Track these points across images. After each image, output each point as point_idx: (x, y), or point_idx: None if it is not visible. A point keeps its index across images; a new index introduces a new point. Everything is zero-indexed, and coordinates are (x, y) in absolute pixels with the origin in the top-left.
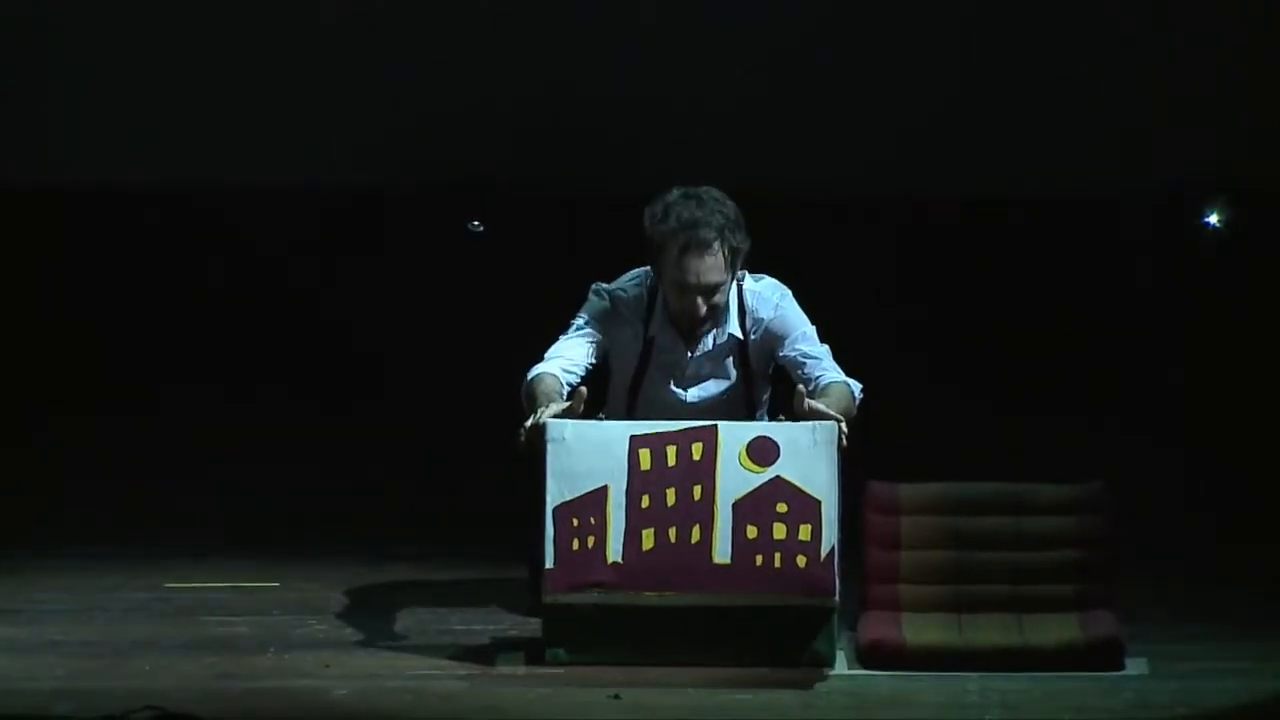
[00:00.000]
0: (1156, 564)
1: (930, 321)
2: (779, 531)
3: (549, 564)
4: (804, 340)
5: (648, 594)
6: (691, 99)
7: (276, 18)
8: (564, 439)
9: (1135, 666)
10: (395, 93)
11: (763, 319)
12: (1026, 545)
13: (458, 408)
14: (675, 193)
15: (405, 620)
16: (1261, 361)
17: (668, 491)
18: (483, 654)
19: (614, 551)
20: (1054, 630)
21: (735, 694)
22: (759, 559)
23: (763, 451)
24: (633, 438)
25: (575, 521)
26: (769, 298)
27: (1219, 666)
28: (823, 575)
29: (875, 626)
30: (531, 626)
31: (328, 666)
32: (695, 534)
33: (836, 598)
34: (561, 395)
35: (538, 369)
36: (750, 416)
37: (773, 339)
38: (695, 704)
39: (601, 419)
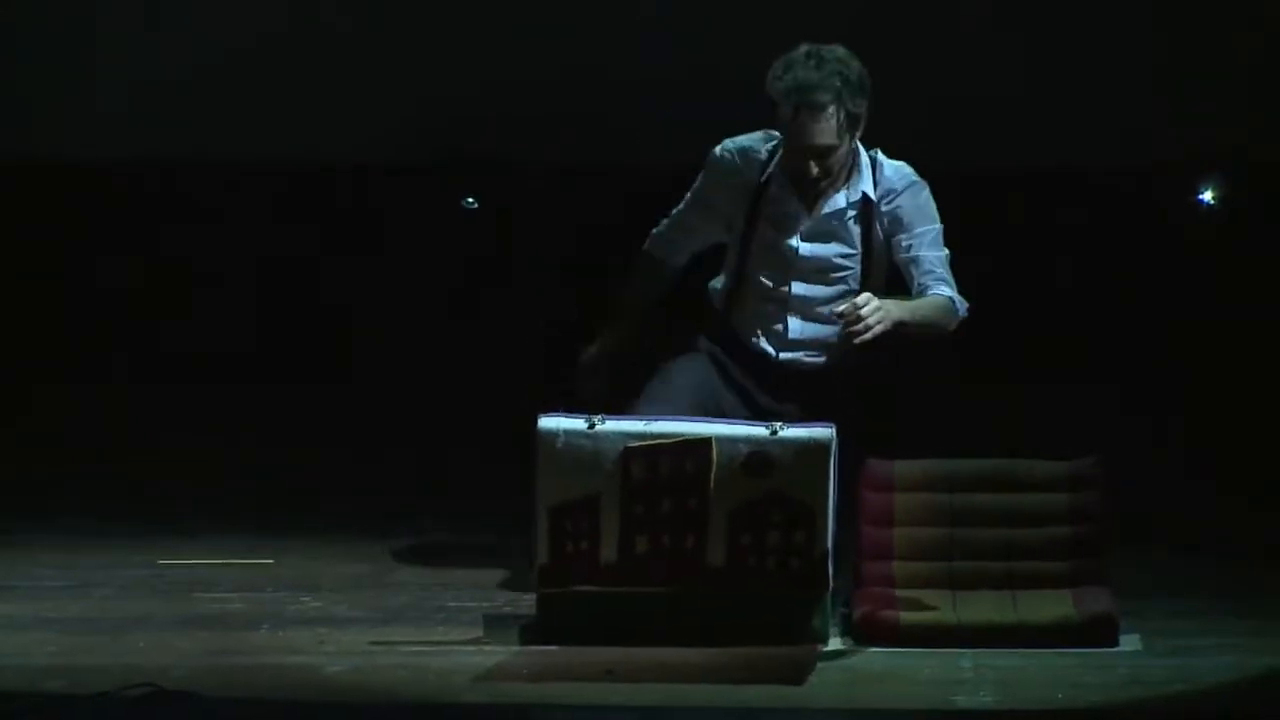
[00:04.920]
0: (1149, 540)
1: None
2: (773, 539)
3: (543, 559)
4: (926, 243)
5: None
6: (698, 73)
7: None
8: (556, 446)
9: (1129, 643)
10: (393, 69)
11: (896, 189)
12: (1020, 521)
13: (453, 383)
14: (800, 50)
15: (399, 597)
16: (1261, 338)
17: (662, 500)
18: (477, 630)
19: (607, 555)
20: (1048, 607)
21: (729, 671)
22: (752, 562)
23: (758, 466)
24: (627, 449)
25: (569, 525)
26: (907, 174)
27: (1213, 643)
28: (816, 574)
29: (869, 603)
30: (526, 603)
31: (322, 643)
32: (689, 540)
33: (830, 589)
34: (648, 308)
35: (650, 250)
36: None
37: (897, 223)
38: (689, 681)
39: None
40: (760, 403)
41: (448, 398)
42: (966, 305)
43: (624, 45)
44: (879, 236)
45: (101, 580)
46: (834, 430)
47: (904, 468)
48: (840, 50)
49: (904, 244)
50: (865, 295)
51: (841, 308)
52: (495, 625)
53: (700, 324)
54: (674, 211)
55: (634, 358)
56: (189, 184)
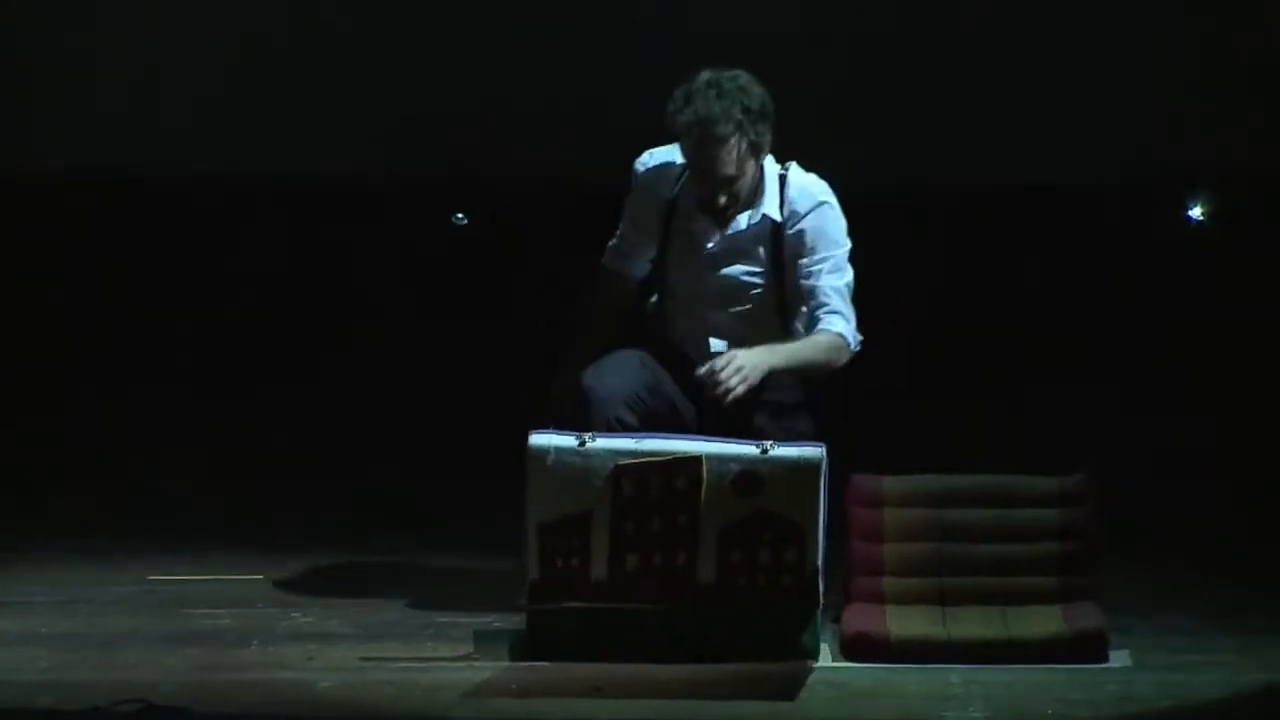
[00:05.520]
0: (1140, 556)
1: (923, 312)
2: (763, 557)
3: (533, 575)
4: (826, 270)
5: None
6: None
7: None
8: (546, 463)
9: (1118, 659)
10: (385, 83)
11: (799, 212)
12: (1010, 537)
13: (440, 398)
14: (701, 78)
15: (389, 612)
16: (1250, 353)
17: (652, 518)
18: (467, 646)
19: (597, 572)
20: (1038, 623)
21: (719, 688)
22: (743, 580)
23: (748, 485)
24: (617, 467)
25: (559, 542)
26: (813, 194)
27: (1202, 659)
28: (807, 591)
29: (859, 619)
30: (516, 619)
31: (311, 659)
32: (679, 557)
33: (820, 605)
34: (611, 325)
35: (606, 264)
36: (782, 316)
37: (800, 246)
38: (678, 697)
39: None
40: (694, 402)
41: (442, 410)
42: (860, 339)
43: (623, 55)
44: (791, 254)
45: (92, 596)
46: (824, 449)
47: (893, 483)
48: (742, 77)
49: (804, 270)
50: (725, 355)
51: (700, 371)
52: (484, 641)
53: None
54: (620, 224)
55: None
56: (188, 190)
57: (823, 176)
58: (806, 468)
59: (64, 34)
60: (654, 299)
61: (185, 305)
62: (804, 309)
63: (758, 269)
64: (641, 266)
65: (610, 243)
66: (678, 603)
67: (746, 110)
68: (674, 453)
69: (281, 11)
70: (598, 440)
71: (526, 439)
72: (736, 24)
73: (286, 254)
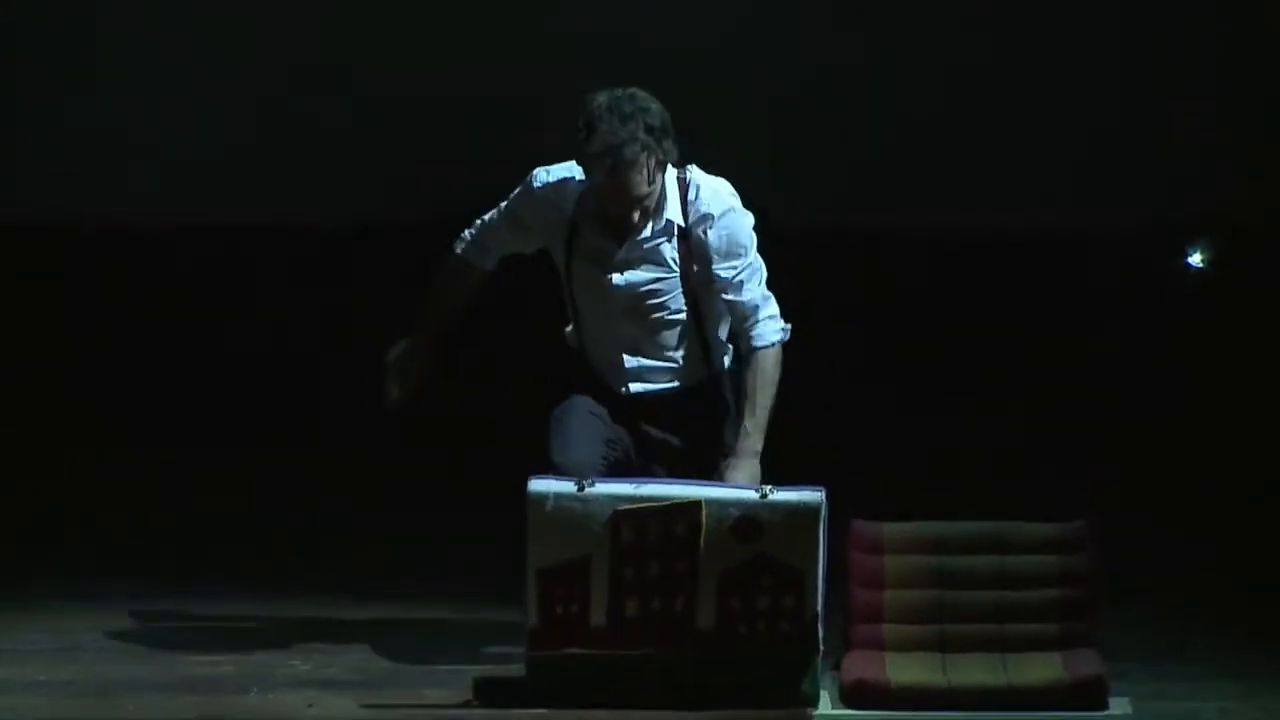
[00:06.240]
0: (1139, 602)
1: (909, 354)
2: (763, 603)
3: (533, 622)
4: (744, 276)
5: (632, 651)
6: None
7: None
8: (545, 509)
9: (1118, 706)
10: (374, 123)
11: (711, 214)
12: (1010, 584)
13: (436, 444)
14: (600, 102)
15: (387, 659)
16: (1243, 398)
17: (651, 563)
18: (466, 693)
19: (597, 618)
20: (1037, 669)
21: None
22: (743, 627)
23: (747, 530)
24: (616, 512)
25: (558, 588)
26: (721, 197)
27: (1201, 705)
28: (806, 637)
29: (859, 666)
30: (514, 666)
31: (311, 706)
32: (679, 603)
33: (820, 652)
34: (458, 309)
35: (460, 253)
36: (695, 318)
37: (711, 251)
38: None
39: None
40: (633, 438)
41: (440, 458)
42: (789, 329)
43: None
44: (699, 253)
45: (89, 644)
46: (824, 494)
47: (893, 530)
48: (639, 95)
49: (721, 278)
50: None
51: None
52: (484, 688)
53: (567, 370)
54: (486, 218)
55: (438, 359)
56: (202, 239)
57: (815, 203)
58: (806, 513)
59: (63, 51)
60: (570, 328)
61: (164, 352)
62: (732, 324)
63: (664, 273)
64: (493, 261)
65: (467, 233)
66: (677, 649)
67: (650, 130)
68: (673, 498)
69: (279, 58)
70: (597, 485)
71: (525, 485)
72: (735, 60)
73: (260, 299)
